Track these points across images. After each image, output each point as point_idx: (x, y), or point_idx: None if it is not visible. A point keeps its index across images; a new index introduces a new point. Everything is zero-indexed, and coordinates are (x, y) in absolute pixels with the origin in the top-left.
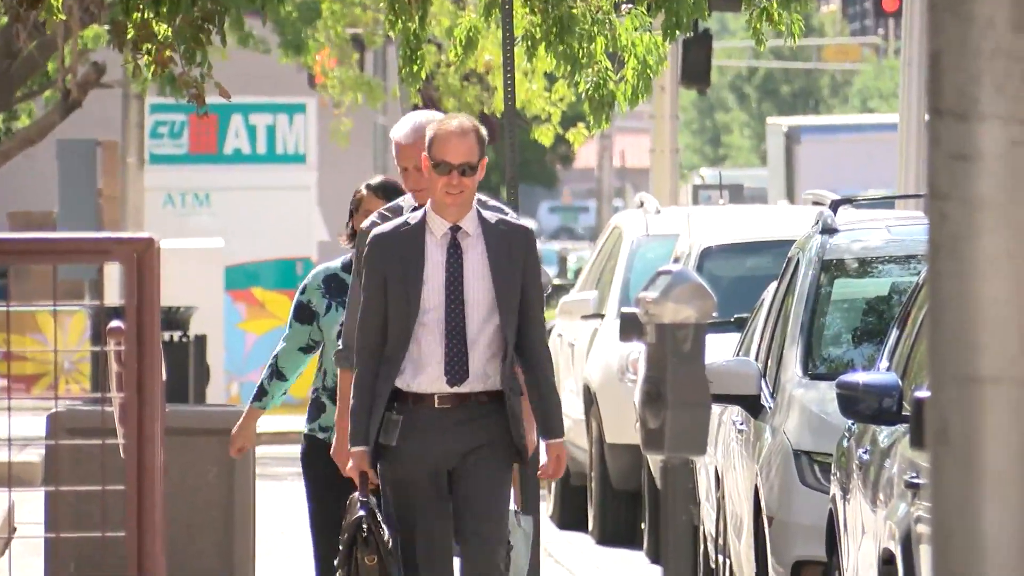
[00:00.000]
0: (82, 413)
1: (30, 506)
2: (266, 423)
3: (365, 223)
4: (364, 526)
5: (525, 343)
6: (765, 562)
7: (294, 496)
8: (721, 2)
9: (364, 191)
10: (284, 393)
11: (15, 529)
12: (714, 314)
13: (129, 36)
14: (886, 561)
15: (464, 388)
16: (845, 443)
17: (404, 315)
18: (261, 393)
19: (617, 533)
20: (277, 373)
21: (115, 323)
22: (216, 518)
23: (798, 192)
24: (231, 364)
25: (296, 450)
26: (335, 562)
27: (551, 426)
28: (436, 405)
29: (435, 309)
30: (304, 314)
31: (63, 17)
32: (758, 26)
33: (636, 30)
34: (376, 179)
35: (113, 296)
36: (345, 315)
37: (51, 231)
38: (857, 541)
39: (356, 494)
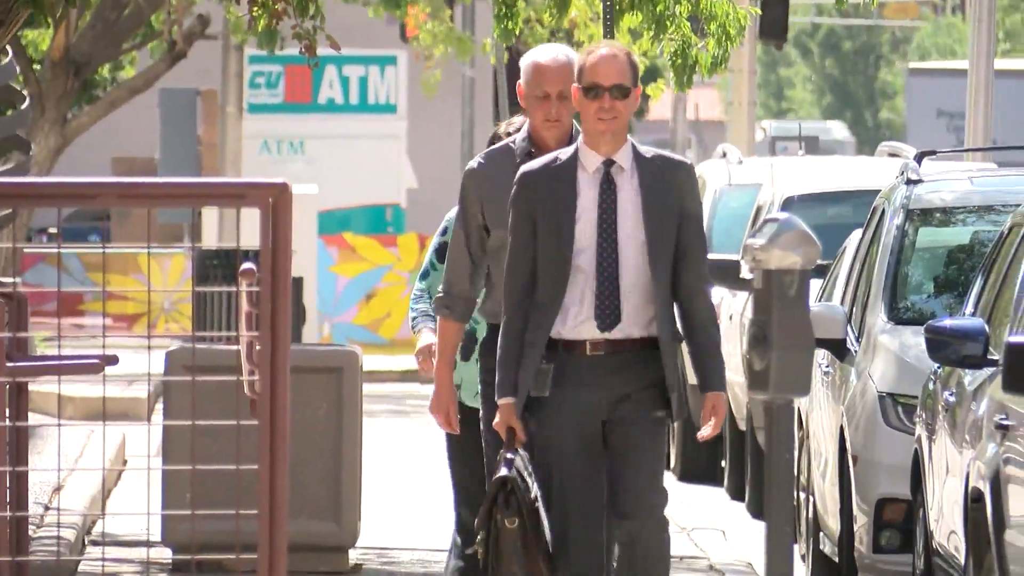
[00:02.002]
0: (197, 351)
1: (133, 440)
2: (366, 362)
3: (471, 163)
4: (507, 486)
5: (682, 289)
6: (849, 500)
7: (389, 432)
8: None
9: (503, 134)
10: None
11: (126, 462)
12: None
13: None
14: (975, 499)
15: (617, 334)
16: (931, 386)
17: (557, 257)
18: (469, 348)
19: (698, 470)
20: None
21: (247, 265)
22: (326, 452)
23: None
24: (323, 306)
25: (395, 388)
26: (475, 522)
27: (707, 377)
28: (588, 352)
29: (588, 249)
30: (445, 255)
31: None
32: None
33: None
34: (515, 121)
35: (210, 240)
36: (447, 261)
37: (152, 176)
38: (942, 480)
39: (502, 450)
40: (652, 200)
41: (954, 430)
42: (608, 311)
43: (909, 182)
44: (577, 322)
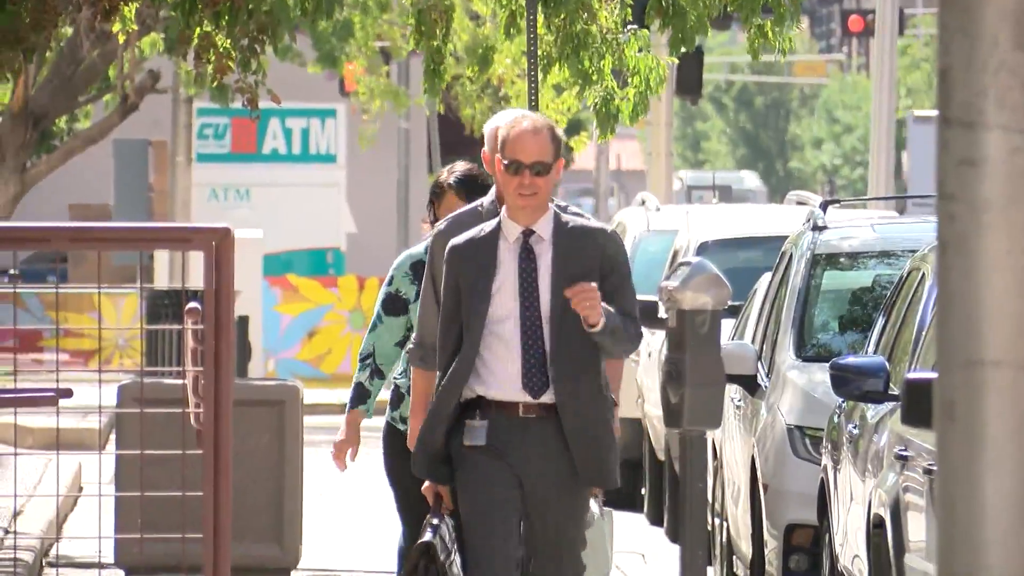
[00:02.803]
0: (147, 384)
1: (87, 468)
2: (307, 396)
3: (440, 224)
4: (429, 552)
5: None
6: (760, 525)
7: (330, 461)
8: (716, 21)
9: (446, 186)
10: (383, 388)
11: (81, 488)
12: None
13: (192, 45)
14: (876, 525)
15: (546, 399)
16: (836, 419)
17: (475, 325)
18: (363, 395)
19: (620, 498)
20: (376, 372)
21: (192, 304)
22: (268, 480)
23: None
24: (268, 343)
25: (334, 420)
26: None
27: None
28: (521, 414)
29: (510, 317)
30: (395, 305)
31: (135, 27)
32: (754, 41)
33: (639, 51)
34: (458, 170)
35: (161, 280)
36: (419, 315)
37: (108, 221)
38: (846, 507)
39: (429, 515)
40: (568, 269)
41: (857, 460)
42: (535, 377)
43: (815, 228)
44: (509, 385)
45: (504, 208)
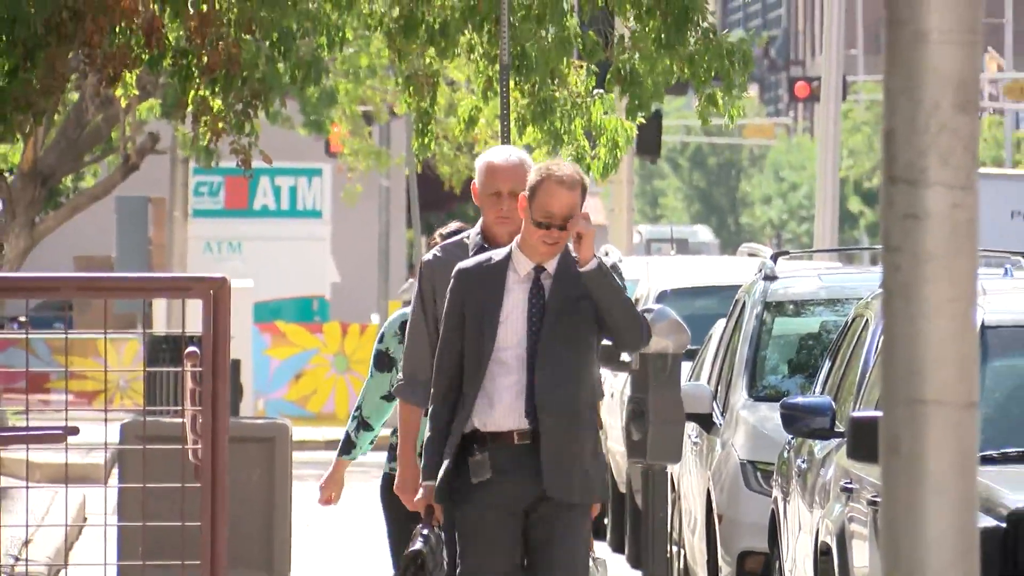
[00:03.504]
0: (148, 423)
1: (91, 500)
2: (295, 433)
3: (426, 256)
4: (418, 560)
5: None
6: (715, 552)
7: (316, 494)
8: (673, 87)
9: (438, 238)
10: (371, 442)
11: (86, 519)
12: (688, 346)
13: (189, 110)
14: (823, 552)
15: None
16: (785, 454)
17: (478, 352)
18: (349, 445)
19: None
20: (363, 424)
21: (191, 348)
22: (260, 510)
23: None
24: (258, 384)
25: (320, 456)
26: None
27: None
28: (516, 442)
29: (515, 347)
30: (383, 362)
31: (135, 93)
32: (704, 109)
33: (605, 113)
34: (450, 226)
35: (160, 326)
36: (406, 348)
37: (109, 272)
38: (795, 536)
39: (419, 525)
40: (559, 296)
41: (805, 492)
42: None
43: (766, 278)
44: (507, 414)
45: (517, 242)
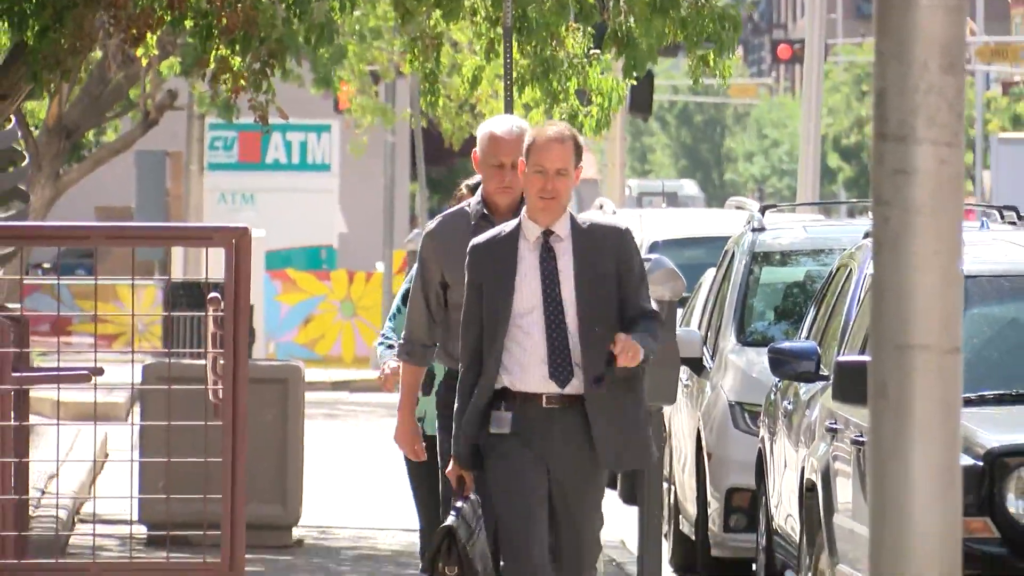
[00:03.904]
0: (165, 365)
1: (112, 438)
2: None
3: (429, 225)
4: (452, 533)
5: (627, 322)
6: (704, 489)
7: (324, 432)
8: (665, 49)
9: (464, 190)
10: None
11: (108, 455)
12: (685, 294)
13: (209, 68)
14: (808, 489)
15: (570, 390)
16: (772, 396)
17: (496, 320)
18: (429, 383)
19: None
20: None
21: (214, 294)
22: (274, 448)
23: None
24: (269, 328)
25: (328, 396)
26: (422, 565)
27: (635, 331)
28: (544, 404)
29: (534, 311)
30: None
31: (156, 53)
32: (696, 69)
33: (601, 73)
34: (475, 179)
35: (176, 274)
36: (408, 313)
37: (130, 221)
38: (781, 473)
39: (453, 498)
40: (587, 267)
41: (791, 432)
42: (561, 368)
43: (755, 230)
44: (534, 377)
45: (524, 210)
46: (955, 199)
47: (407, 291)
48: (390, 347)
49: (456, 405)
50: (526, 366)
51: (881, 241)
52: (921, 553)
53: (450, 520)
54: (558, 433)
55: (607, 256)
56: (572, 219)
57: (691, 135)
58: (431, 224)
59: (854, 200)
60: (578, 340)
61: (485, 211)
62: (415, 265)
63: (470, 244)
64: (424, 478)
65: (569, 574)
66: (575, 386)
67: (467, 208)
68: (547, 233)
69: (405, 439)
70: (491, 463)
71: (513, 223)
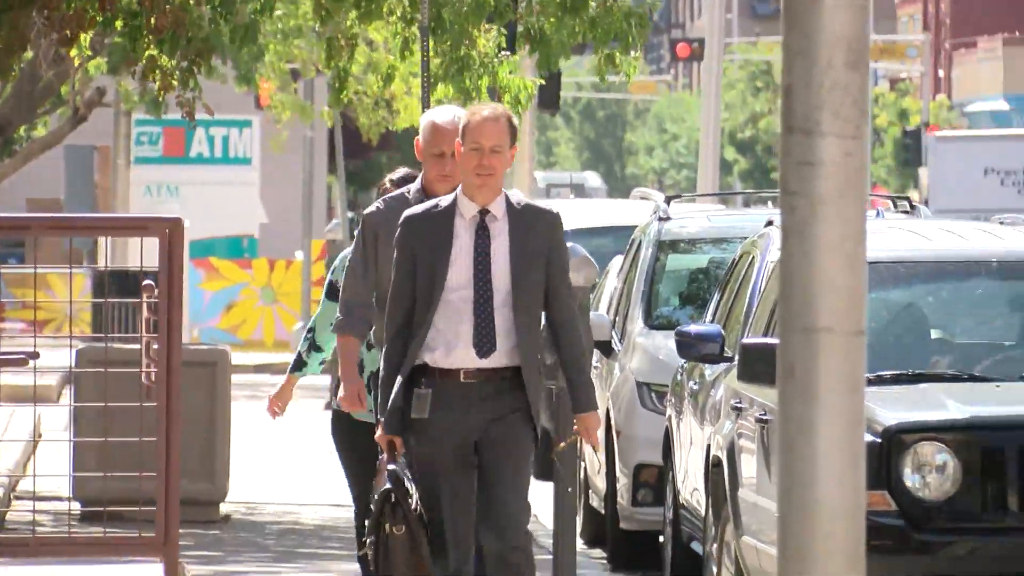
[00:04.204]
0: (98, 349)
1: (47, 420)
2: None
3: (369, 208)
4: (392, 497)
5: (552, 323)
6: (614, 465)
7: (248, 413)
8: (574, 47)
9: (388, 184)
10: (321, 363)
11: (41, 435)
12: (596, 280)
13: (139, 66)
14: (714, 465)
15: (490, 363)
16: (678, 377)
17: (429, 293)
18: (299, 363)
19: None
20: (314, 346)
21: (147, 281)
22: (202, 427)
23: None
24: (193, 314)
25: (250, 378)
26: (364, 533)
27: (575, 400)
28: (462, 379)
29: (464, 288)
30: (333, 292)
31: (89, 53)
32: (603, 67)
33: (511, 73)
34: (398, 173)
35: (101, 262)
36: (344, 288)
37: (59, 213)
38: (688, 450)
39: (384, 460)
40: (519, 246)
41: (697, 411)
42: (485, 342)
43: (661, 219)
44: (456, 352)
45: (460, 188)
46: (859, 189)
47: (328, 286)
48: (298, 363)
49: (382, 375)
50: (450, 342)
51: (788, 229)
52: (827, 526)
53: (386, 484)
54: (475, 402)
55: (540, 237)
56: (507, 199)
57: (594, 130)
58: (372, 207)
59: (750, 191)
60: (504, 317)
61: (424, 199)
62: (339, 257)
63: (404, 214)
64: (359, 467)
65: (504, 534)
66: (495, 359)
67: (407, 194)
68: (483, 212)
69: (353, 401)
70: (417, 447)
71: (449, 198)
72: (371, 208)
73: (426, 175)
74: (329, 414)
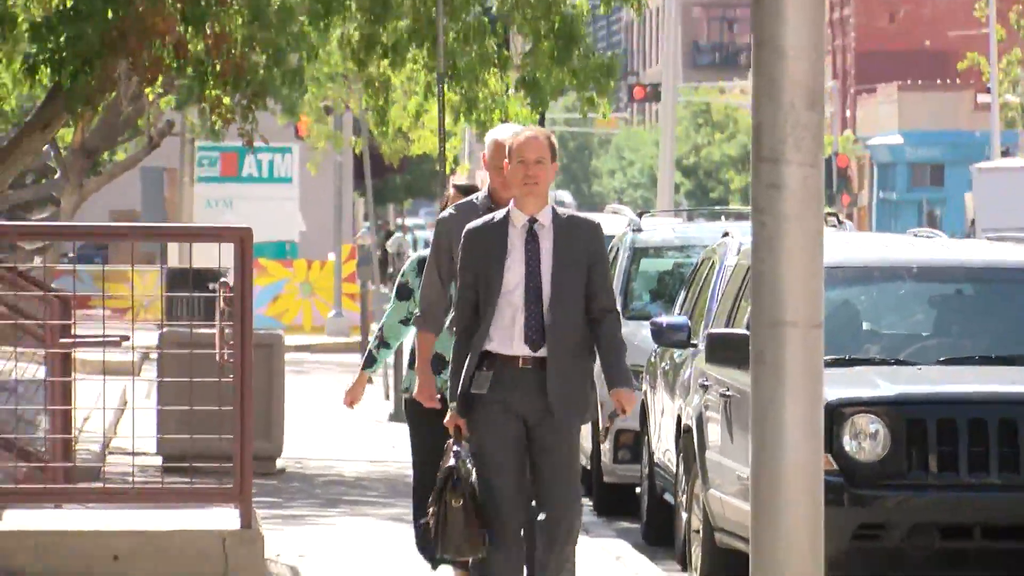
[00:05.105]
0: (178, 333)
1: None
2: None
3: (443, 213)
4: (454, 473)
5: (592, 318)
6: (597, 431)
7: (295, 384)
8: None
9: (452, 191)
10: (389, 356)
11: (126, 403)
12: None
13: (205, 103)
14: (685, 432)
15: (541, 353)
16: (652, 359)
17: (491, 294)
18: (371, 360)
19: None
20: (383, 343)
21: (224, 279)
22: (262, 396)
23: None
24: None
25: (292, 356)
26: (428, 500)
27: (612, 378)
28: (520, 365)
29: (518, 288)
30: (403, 292)
31: (160, 91)
32: (585, 106)
33: (519, 107)
34: (461, 180)
35: (174, 262)
36: (422, 287)
37: (137, 222)
38: (661, 418)
39: (451, 442)
40: (562, 252)
41: (668, 387)
42: (535, 335)
43: (635, 231)
44: (511, 342)
45: (512, 201)
46: (816, 208)
47: (398, 286)
48: (370, 360)
49: (451, 367)
50: (507, 334)
51: (759, 241)
52: (792, 481)
53: (450, 461)
54: (530, 388)
55: (581, 244)
56: (553, 210)
57: (565, 155)
58: (445, 213)
59: (695, 208)
60: (552, 313)
61: (491, 204)
62: (408, 261)
63: (466, 228)
64: (424, 445)
65: (557, 513)
66: (544, 350)
67: (475, 201)
68: (532, 220)
69: (425, 395)
70: (475, 416)
71: (502, 212)
72: (444, 214)
73: (492, 184)
74: (369, 388)
